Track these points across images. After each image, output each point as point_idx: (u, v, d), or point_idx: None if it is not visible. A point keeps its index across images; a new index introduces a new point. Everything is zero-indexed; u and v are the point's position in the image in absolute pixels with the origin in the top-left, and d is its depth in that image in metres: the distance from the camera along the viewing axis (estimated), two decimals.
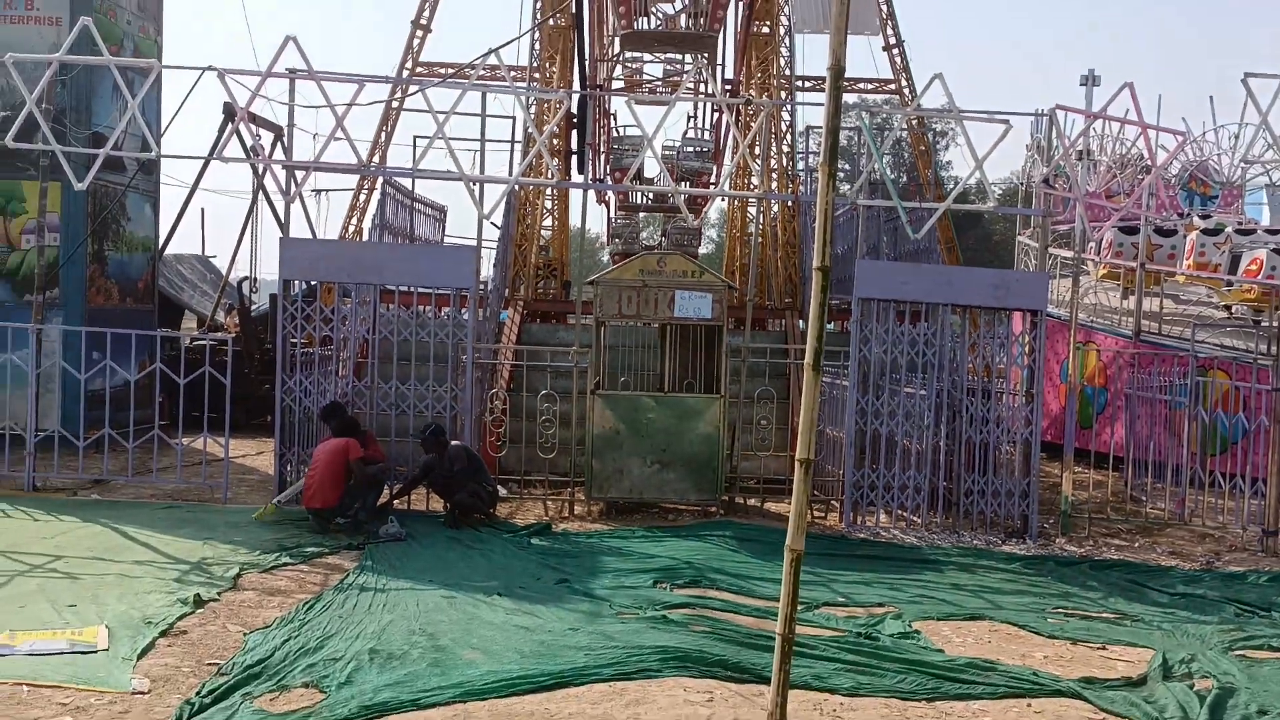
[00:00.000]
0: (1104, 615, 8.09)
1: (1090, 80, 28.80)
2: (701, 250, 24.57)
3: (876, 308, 11.37)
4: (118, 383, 12.40)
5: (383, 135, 29.03)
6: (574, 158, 21.31)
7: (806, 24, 26.20)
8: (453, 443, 10.75)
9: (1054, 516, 11.48)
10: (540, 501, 11.70)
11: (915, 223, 12.06)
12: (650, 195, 22.27)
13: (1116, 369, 14.37)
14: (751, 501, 11.92)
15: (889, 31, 30.62)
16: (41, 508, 10.33)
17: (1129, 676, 6.49)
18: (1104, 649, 7.18)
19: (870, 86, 32.40)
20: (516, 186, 15.72)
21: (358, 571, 8.39)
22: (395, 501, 10.83)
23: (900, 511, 11.29)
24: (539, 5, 22.60)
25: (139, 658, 6.14)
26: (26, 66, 11.36)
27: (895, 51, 30.78)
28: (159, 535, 9.34)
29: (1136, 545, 10.96)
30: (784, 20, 24.44)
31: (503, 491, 11.51)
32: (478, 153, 12.73)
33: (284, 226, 12.21)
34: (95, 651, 6.19)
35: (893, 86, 31.24)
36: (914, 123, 31.67)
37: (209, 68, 10.59)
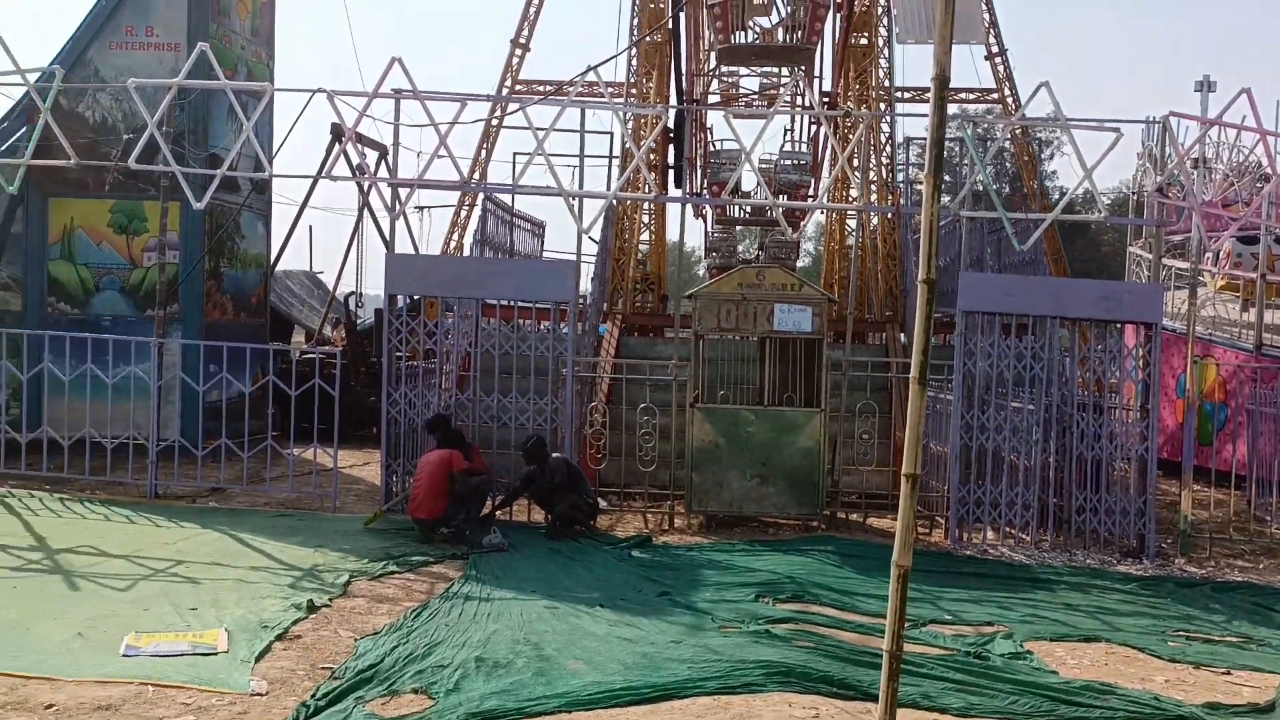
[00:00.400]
0: (1228, 639, 7.78)
1: (1205, 86, 27.82)
2: (799, 263, 24.42)
3: (981, 320, 11.15)
4: (233, 394, 12.84)
5: (483, 152, 29.57)
6: (671, 172, 21.41)
7: (910, 34, 25.87)
8: (553, 455, 10.86)
9: (1172, 536, 11.09)
10: (640, 514, 11.74)
11: (1021, 234, 11.81)
12: (747, 209, 22.23)
13: (1237, 384, 13.83)
14: (853, 516, 11.77)
15: (991, 40, 30.12)
16: (163, 514, 10.74)
17: (1256, 703, 6.23)
18: (1228, 674, 6.91)
19: (972, 96, 31.87)
20: (615, 201, 15.83)
21: (462, 581, 8.53)
22: (497, 512, 10.98)
23: (1008, 529, 11.03)
24: (636, 22, 22.80)
25: (256, 660, 6.34)
26: (147, 91, 11.87)
27: (998, 60, 30.25)
28: (273, 542, 9.63)
29: (1261, 567, 10.52)
30: (882, 31, 24.22)
31: (602, 504, 11.58)
32: (576, 168, 12.88)
33: (389, 243, 12.51)
34: (215, 654, 6.41)
35: (995, 96, 30.69)
36: (1017, 132, 31.03)
37: (319, 90, 10.94)
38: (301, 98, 11.27)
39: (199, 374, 12.38)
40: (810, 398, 11.59)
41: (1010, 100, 29.79)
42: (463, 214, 29.68)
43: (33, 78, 11.83)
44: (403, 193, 12.00)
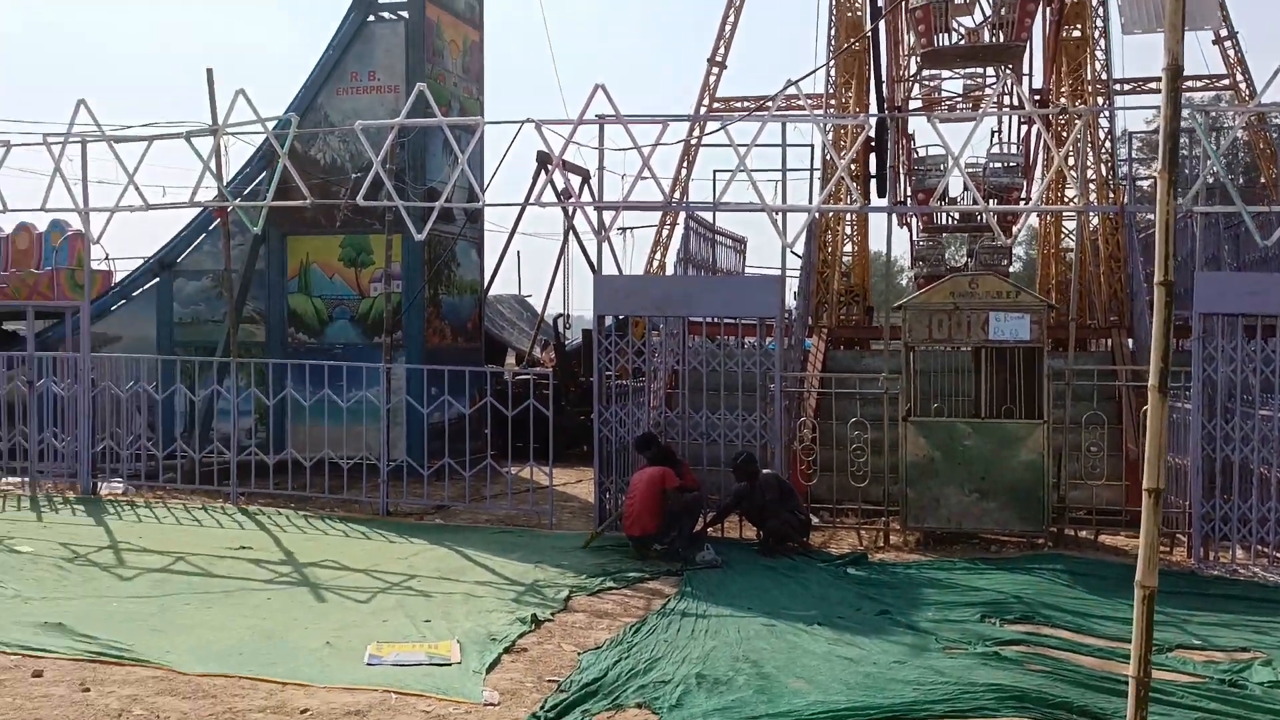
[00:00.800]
0: None
1: None
2: (1010, 269, 23.48)
3: (1221, 323, 10.40)
4: (453, 416, 13.45)
5: (682, 171, 29.93)
6: (874, 181, 21.04)
7: (1136, 25, 24.47)
8: (764, 471, 10.83)
9: None
10: (853, 530, 11.54)
11: (1262, 228, 10.96)
12: (956, 215, 21.57)
13: None
14: (1082, 534, 11.18)
15: (1221, 23, 28.16)
16: (394, 530, 11.36)
17: None
18: None
19: (1199, 84, 29.88)
20: (817, 214, 15.68)
21: (678, 597, 8.61)
22: (709, 529, 11.03)
23: (1260, 547, 10.21)
24: (834, 32, 22.56)
25: (487, 672, 6.60)
26: (371, 132, 12.64)
27: (1228, 44, 28.25)
28: (495, 558, 10.01)
29: None
30: (1097, 22, 23.04)
31: (814, 520, 11.45)
32: (778, 183, 12.85)
33: (593, 265, 12.85)
34: (450, 664, 6.71)
35: (1226, 82, 28.66)
36: (1253, 120, 28.86)
37: (527, 120, 11.34)
38: (509, 128, 11.73)
39: (423, 397, 13.03)
40: (1031, 409, 11.11)
41: (1244, 86, 27.73)
42: (664, 233, 30.12)
43: (270, 126, 12.82)
44: (608, 215, 12.28)
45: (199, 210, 15.76)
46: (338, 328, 16.51)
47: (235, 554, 10.04)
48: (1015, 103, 20.51)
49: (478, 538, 11.07)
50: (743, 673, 6.56)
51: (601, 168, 11.99)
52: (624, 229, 31.66)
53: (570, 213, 18.22)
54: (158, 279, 17.28)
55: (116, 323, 17.24)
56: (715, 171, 13.81)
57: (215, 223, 16.07)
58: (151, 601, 8.26)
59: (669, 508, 10.36)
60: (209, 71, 12.75)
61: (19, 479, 13.87)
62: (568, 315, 22.06)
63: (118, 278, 19.25)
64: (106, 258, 21.06)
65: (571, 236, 21.19)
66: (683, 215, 17.08)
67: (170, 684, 6.29)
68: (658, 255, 30.29)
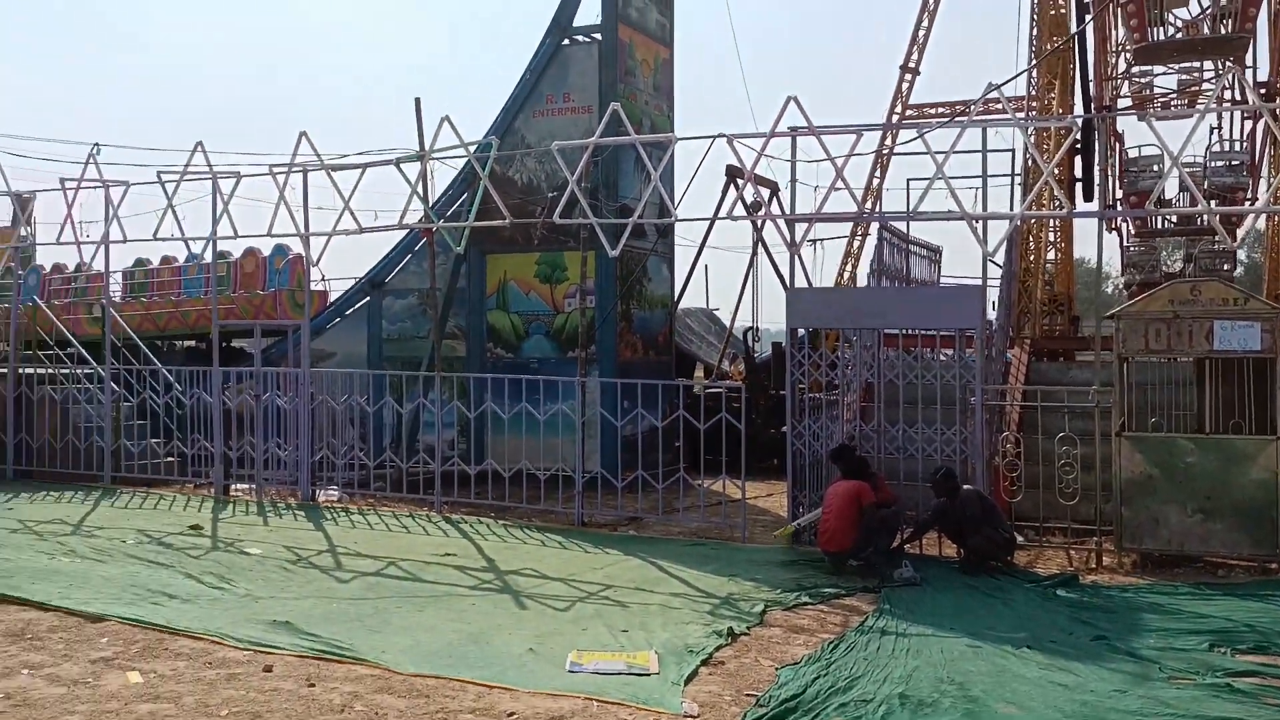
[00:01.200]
0: None
1: None
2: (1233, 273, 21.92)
3: None
4: (646, 428, 13.63)
5: (874, 180, 29.43)
6: (1079, 185, 20.08)
7: None
8: (964, 487, 10.49)
9: None
10: (1062, 550, 11.01)
11: None
12: (1173, 219, 20.33)
13: None
14: None
15: None
16: (589, 541, 11.59)
17: None
18: None
19: None
20: (1019, 221, 15.10)
21: (877, 615, 8.43)
22: (907, 545, 10.76)
23: None
24: (1035, 32, 21.70)
25: (686, 683, 6.64)
26: (566, 152, 13.00)
27: None
28: (689, 570, 10.06)
29: None
30: None
31: (1019, 538, 10.99)
32: (977, 190, 12.44)
33: (782, 278, 12.84)
34: (648, 674, 6.79)
35: None
36: None
37: (719, 135, 11.41)
38: (698, 143, 11.84)
39: (616, 410, 13.26)
40: (1262, 424, 10.33)
41: None
42: (855, 244, 29.68)
43: (472, 150, 13.36)
44: (799, 227, 12.19)
45: (406, 232, 16.56)
46: (534, 343, 17.01)
47: (441, 560, 10.47)
48: (1238, 97, 19.18)
49: (671, 549, 11.16)
50: (948, 695, 6.36)
51: (793, 180, 11.92)
52: (814, 241, 31.42)
53: (760, 225, 18.16)
54: (368, 298, 18.26)
55: (332, 339, 18.31)
56: (909, 180, 13.45)
57: (421, 243, 16.86)
58: (367, 603, 8.70)
59: (866, 523, 10.17)
60: (417, 101, 13.44)
61: (247, 485, 14.90)
62: (756, 328, 21.95)
63: (333, 297, 20.46)
64: (323, 278, 22.43)
65: (761, 249, 21.12)
66: (875, 225, 16.77)
67: (387, 682, 6.62)
68: (848, 267, 29.88)
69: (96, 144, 14.95)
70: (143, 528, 11.90)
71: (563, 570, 10.03)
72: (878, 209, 26.60)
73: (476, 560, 10.55)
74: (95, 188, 15.32)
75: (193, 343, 22.42)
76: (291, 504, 13.97)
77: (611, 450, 14.60)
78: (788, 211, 12.59)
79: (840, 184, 11.29)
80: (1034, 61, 21.56)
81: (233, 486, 14.91)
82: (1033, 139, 19.38)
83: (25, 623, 7.92)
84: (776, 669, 6.97)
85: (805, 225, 12.42)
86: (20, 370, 16.50)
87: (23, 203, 17.89)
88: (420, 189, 13.46)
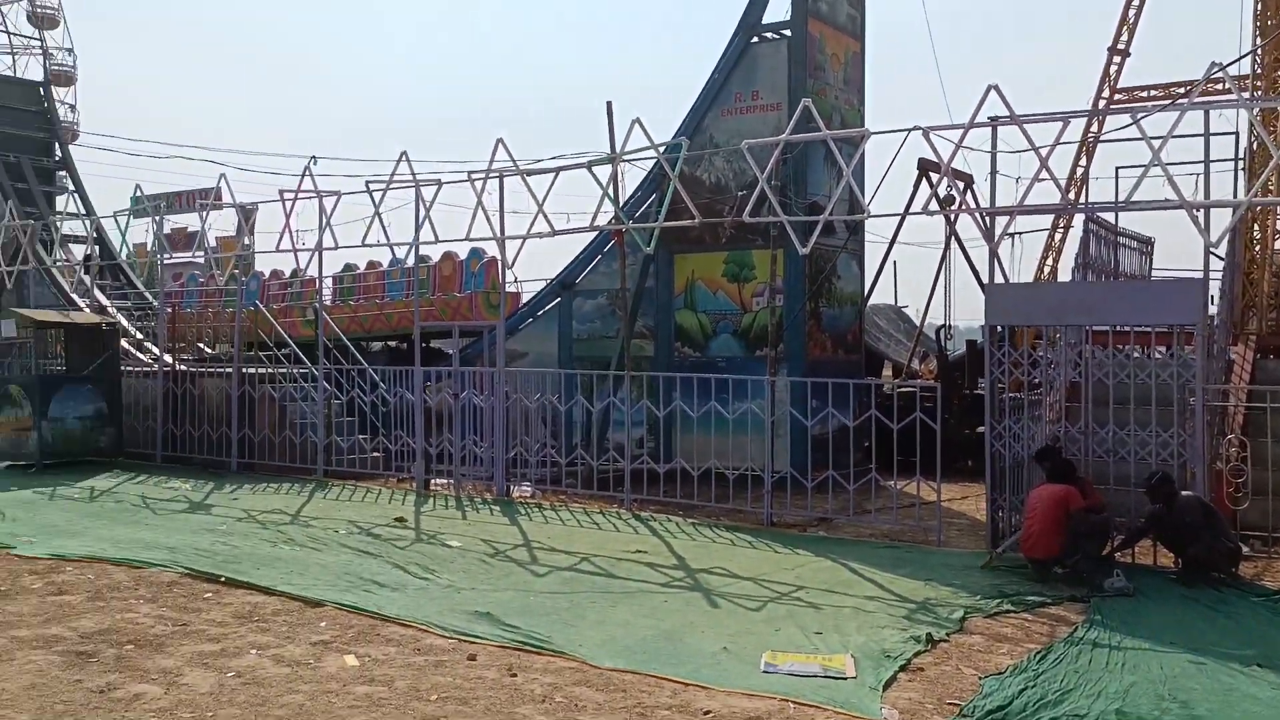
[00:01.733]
0: None
1: None
2: None
3: None
4: (835, 428, 13.42)
5: (1078, 170, 28.06)
6: None
7: None
8: (1182, 493, 9.87)
9: None
10: None
11: None
12: None
13: None
14: None
15: None
16: (779, 541, 11.51)
17: None
18: None
19: None
20: (1245, 209, 14.09)
21: (1086, 625, 8.04)
22: (1118, 553, 10.21)
23: None
24: (1258, 8, 20.19)
25: (884, 689, 6.51)
26: (755, 149, 12.95)
27: None
28: (883, 573, 9.86)
29: None
30: None
31: (1245, 549, 10.26)
32: (1197, 176, 11.67)
33: (978, 274, 12.27)
34: (844, 678, 6.69)
35: None
36: None
37: (914, 128, 11.12)
38: (888, 138, 11.57)
39: (805, 409, 13.12)
40: None
41: None
42: (1057, 237, 28.39)
43: (661, 150, 13.49)
44: (999, 221, 11.74)
45: (596, 233, 16.88)
46: (721, 341, 17.05)
47: (632, 557, 10.62)
48: None
49: (863, 552, 10.97)
50: (1170, 713, 6.01)
51: (993, 171, 11.50)
52: (1013, 234, 30.26)
53: (954, 220, 17.62)
54: (559, 299, 18.72)
55: (524, 340, 18.88)
56: (1118, 168, 12.73)
57: (610, 244, 17.16)
58: (563, 597, 8.92)
59: (1073, 528, 9.71)
60: (609, 104, 13.67)
61: (445, 480, 15.52)
62: (949, 326, 21.35)
63: (525, 298, 21.08)
64: (516, 280, 23.13)
65: (954, 245, 20.51)
66: (1080, 217, 15.98)
67: (585, 675, 6.77)
68: (1048, 261, 28.60)
69: (313, 157, 15.95)
70: (352, 519, 12.56)
71: (753, 570, 10.00)
72: (1083, 199, 25.29)
73: (667, 558, 10.65)
74: (310, 198, 16.29)
75: (394, 343, 23.53)
76: (487, 499, 14.46)
77: (801, 450, 14.44)
78: (984, 205, 12.15)
79: (1044, 174, 10.82)
80: (1254, 43, 20.07)
81: (432, 481, 15.56)
82: (1259, 119, 18.06)
83: (252, 606, 8.50)
84: (980, 678, 6.75)
85: (1005, 219, 11.93)
86: (243, 369, 17.70)
87: (246, 214, 19.18)
88: (611, 190, 13.68)
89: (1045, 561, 9.75)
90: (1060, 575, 9.70)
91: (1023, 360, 11.59)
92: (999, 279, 12.17)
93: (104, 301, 25.45)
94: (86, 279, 25.58)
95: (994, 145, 11.30)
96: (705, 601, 8.87)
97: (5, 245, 22.38)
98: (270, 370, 17.97)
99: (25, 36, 40.33)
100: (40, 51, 38.31)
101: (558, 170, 13.74)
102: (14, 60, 39.47)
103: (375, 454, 16.69)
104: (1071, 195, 26.96)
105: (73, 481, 15.44)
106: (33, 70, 37.39)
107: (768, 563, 10.42)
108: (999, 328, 11.83)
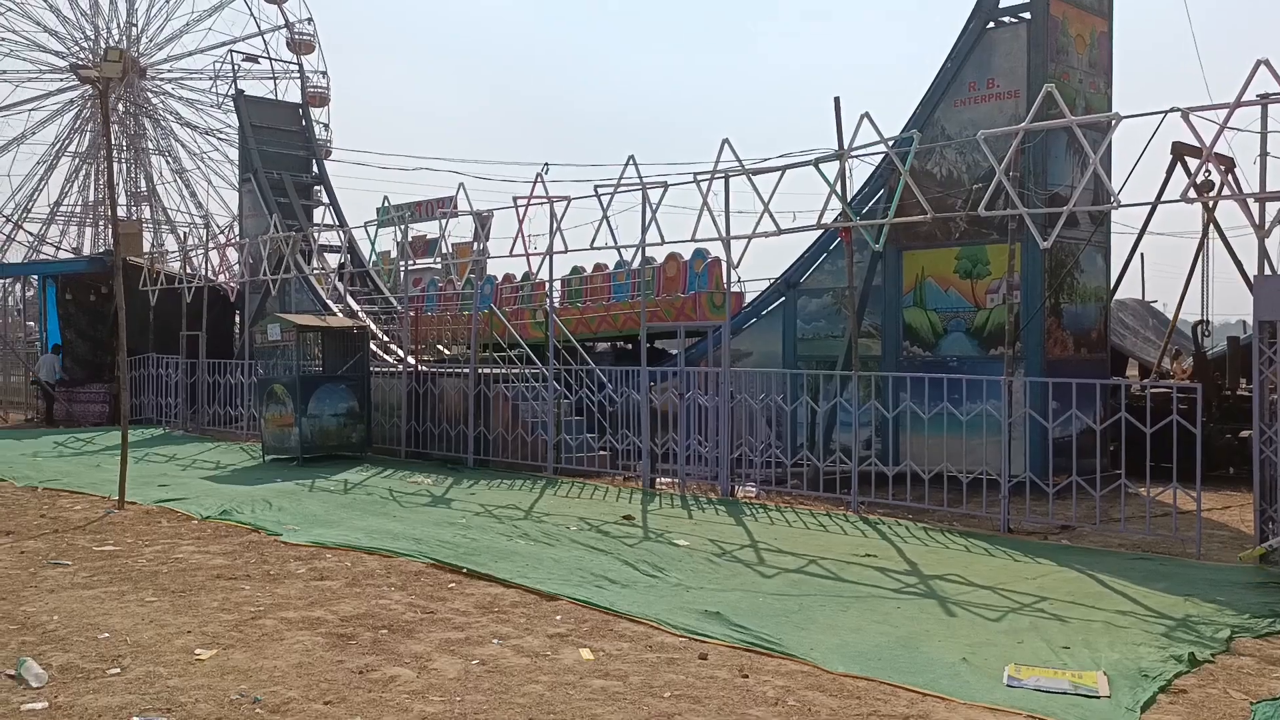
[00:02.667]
0: None
1: None
2: None
3: None
4: (1079, 430, 12.70)
5: None
6: None
7: None
8: None
9: None
10: None
11: None
12: None
13: None
14: None
15: None
16: (1018, 549, 11.01)
17: None
18: None
19: None
20: None
21: None
22: None
23: None
24: None
25: (1142, 710, 6.10)
26: (991, 140, 12.43)
27: None
28: (1135, 586, 9.25)
29: None
30: None
31: None
32: None
33: (1240, 265, 11.35)
34: (1097, 697, 6.31)
35: None
36: None
37: (1172, 109, 10.39)
38: (1137, 122, 10.84)
39: (1045, 411, 12.49)
40: None
41: None
42: None
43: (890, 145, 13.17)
44: (1270, 208, 10.81)
45: (821, 231, 16.67)
46: (952, 340, 16.48)
47: (861, 560, 10.41)
48: None
49: (1111, 562, 10.32)
50: None
51: (1264, 153, 10.60)
52: None
53: (1212, 207, 16.34)
54: (783, 298, 18.61)
55: (748, 339, 18.86)
56: None
57: (836, 242, 16.92)
58: (791, 600, 8.85)
59: None
60: (836, 100, 13.45)
61: (670, 479, 15.72)
62: (1208, 321, 19.79)
63: (748, 298, 21.07)
64: (739, 280, 23.17)
65: (1214, 234, 19.02)
66: None
67: (817, 680, 6.68)
68: None
69: (545, 164, 16.51)
70: (583, 515, 12.91)
71: (991, 578, 9.60)
72: None
73: (898, 562, 10.38)
74: (541, 203, 16.86)
75: (620, 344, 24.04)
76: (712, 498, 14.54)
77: (1040, 453, 13.79)
78: (1248, 189, 11.21)
79: None
80: None
81: (658, 480, 15.79)
82: None
83: (493, 597, 8.87)
84: (1251, 704, 6.22)
85: (1278, 205, 10.97)
86: (479, 370, 18.54)
87: (482, 220, 20.10)
88: (838, 187, 13.48)
89: None
90: None
91: None
92: (1268, 270, 11.23)
93: (355, 306, 27.29)
94: (340, 286, 27.52)
95: (1264, 125, 10.43)
96: (940, 609, 8.58)
97: (270, 255, 24.32)
98: (504, 370, 18.73)
99: (285, 62, 43.82)
100: (298, 75, 41.48)
101: (783, 169, 13.67)
102: (275, 84, 42.96)
103: (602, 452, 17.10)
104: None
105: (328, 475, 16.61)
106: (292, 93, 40.58)
107: (1006, 571, 9.98)
108: (1271, 323, 10.91)
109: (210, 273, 26.66)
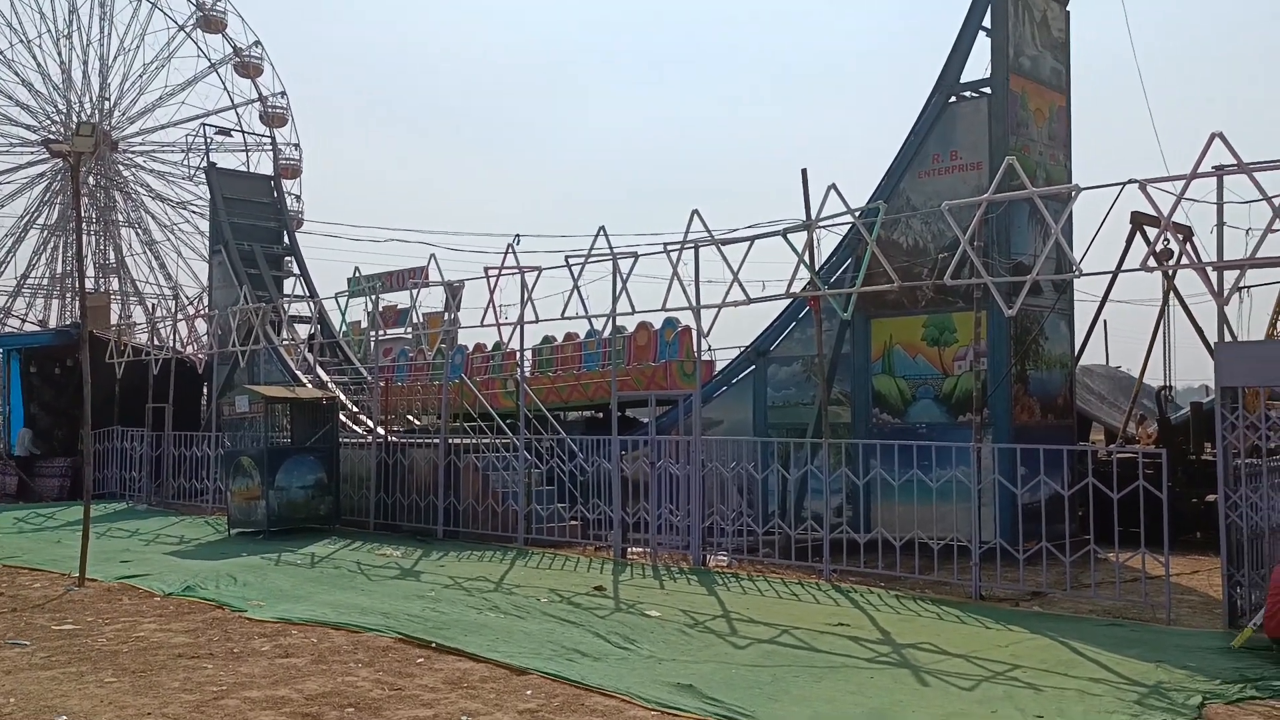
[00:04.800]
0: None
1: None
2: None
3: None
4: (1047, 496, 12.76)
5: None
6: None
7: None
8: None
9: None
10: None
11: None
12: None
13: None
14: None
15: None
16: (989, 616, 10.98)
17: None
18: None
19: None
20: None
21: None
22: None
23: None
24: None
25: None
26: (955, 210, 12.66)
27: None
28: (1107, 653, 9.23)
29: None
30: None
31: None
32: None
33: (1201, 332, 11.57)
34: None
35: None
36: None
37: (1130, 180, 10.64)
38: (1095, 193, 11.10)
39: (1014, 477, 12.55)
40: None
41: None
42: None
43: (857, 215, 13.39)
44: (1229, 277, 11.04)
45: (790, 300, 16.83)
46: (920, 407, 16.59)
47: (834, 630, 10.34)
48: None
49: (1083, 629, 10.31)
50: None
51: (1220, 223, 10.84)
52: (1241, 288, 28.28)
53: (1172, 276, 16.67)
54: (753, 366, 18.71)
55: (719, 407, 18.91)
56: None
57: (805, 311, 17.08)
58: (764, 670, 8.76)
59: None
60: (803, 172, 13.69)
61: (641, 549, 15.61)
62: (1171, 387, 20.07)
63: (719, 366, 21.15)
64: (709, 348, 23.27)
65: (1174, 302, 19.39)
66: None
67: None
68: None
69: (517, 235, 16.65)
70: (554, 587, 12.78)
71: (963, 646, 9.55)
72: None
73: (871, 631, 10.32)
74: (513, 273, 16.96)
75: (591, 413, 24.02)
76: (684, 568, 14.44)
77: (1010, 519, 13.80)
78: (1206, 258, 11.46)
79: (1278, 224, 10.13)
80: None
81: (629, 550, 15.67)
82: None
83: (462, 672, 8.73)
84: None
85: (1235, 274, 11.21)
86: (449, 440, 18.43)
87: (453, 291, 20.14)
88: (807, 257, 13.65)
89: None
90: None
91: (1260, 424, 10.80)
92: (1228, 337, 11.43)
93: (324, 377, 27.13)
94: (309, 357, 27.38)
95: (1219, 195, 10.68)
96: (914, 679, 8.52)
97: (239, 326, 24.21)
98: (474, 440, 18.63)
99: (258, 135, 44.11)
100: (271, 148, 41.74)
101: (752, 239, 13.83)
102: (248, 156, 43.21)
103: (573, 522, 16.98)
104: None
105: (296, 548, 16.36)
106: (264, 165, 40.80)
107: (979, 639, 9.94)
108: (1232, 388, 11.08)
109: (178, 344, 26.49)
